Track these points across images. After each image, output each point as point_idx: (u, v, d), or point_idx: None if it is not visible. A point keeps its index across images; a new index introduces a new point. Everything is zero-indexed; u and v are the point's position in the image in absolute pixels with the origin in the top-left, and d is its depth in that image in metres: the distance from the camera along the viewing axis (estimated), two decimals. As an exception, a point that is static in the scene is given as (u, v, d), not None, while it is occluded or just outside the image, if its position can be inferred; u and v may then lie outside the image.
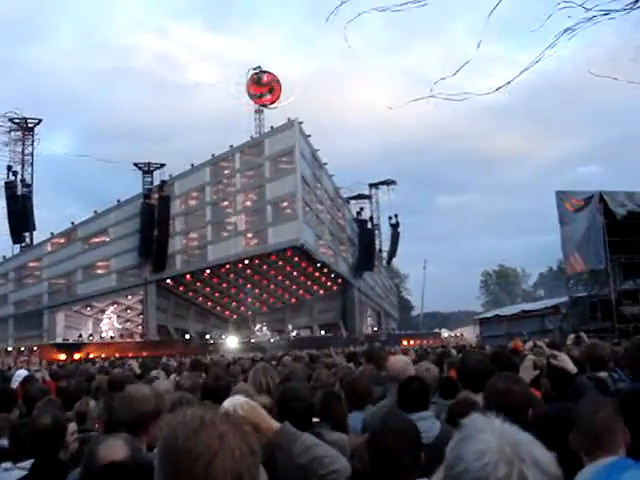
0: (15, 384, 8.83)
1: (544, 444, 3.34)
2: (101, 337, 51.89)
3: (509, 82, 6.37)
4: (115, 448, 2.89)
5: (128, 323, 55.23)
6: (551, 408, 4.21)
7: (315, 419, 4.29)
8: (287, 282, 59.24)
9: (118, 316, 55.09)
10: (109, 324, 54.01)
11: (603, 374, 5.41)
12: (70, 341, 49.09)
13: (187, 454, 1.44)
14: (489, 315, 51.08)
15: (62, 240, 57.15)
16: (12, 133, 56.81)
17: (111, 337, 52.04)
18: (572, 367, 4.38)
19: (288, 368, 7.58)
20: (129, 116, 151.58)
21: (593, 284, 33.47)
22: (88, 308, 54.67)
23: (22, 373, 9.89)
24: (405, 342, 50.40)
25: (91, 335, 51.58)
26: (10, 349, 48.96)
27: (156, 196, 51.94)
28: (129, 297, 54.94)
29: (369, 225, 66.40)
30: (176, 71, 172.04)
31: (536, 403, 3.68)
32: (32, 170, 57.36)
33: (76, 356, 41.05)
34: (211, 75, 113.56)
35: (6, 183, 53.78)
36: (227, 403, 3.97)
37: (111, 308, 54.75)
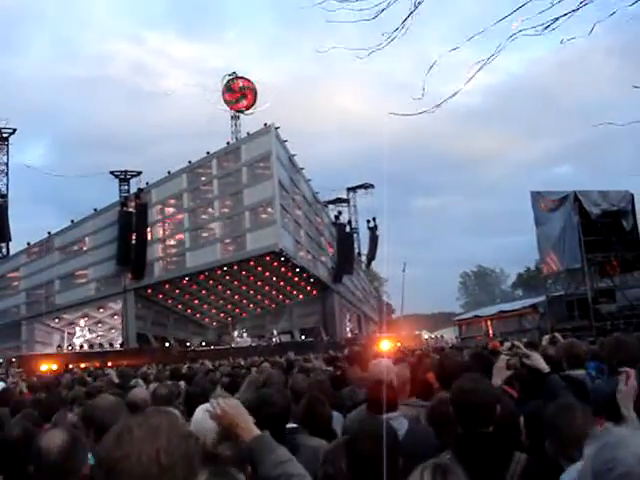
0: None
1: (510, 442, 3.37)
2: (81, 346, 51.57)
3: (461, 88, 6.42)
4: (53, 437, 2.96)
5: (98, 338, 54.67)
6: (523, 408, 4.27)
7: (293, 425, 4.30)
8: (266, 288, 59.09)
9: (89, 329, 54.70)
10: (81, 336, 53.62)
11: (581, 372, 5.48)
12: (48, 352, 48.71)
13: (98, 462, 1.54)
14: (468, 316, 51.43)
15: (39, 250, 56.69)
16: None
17: (90, 346, 51.68)
18: (544, 366, 4.44)
19: (265, 374, 7.61)
20: (105, 124, 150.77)
21: (570, 283, 33.78)
22: (56, 320, 54.18)
23: (-2, 385, 9.79)
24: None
25: (70, 345, 51.24)
26: (-12, 361, 48.46)
27: (133, 204, 51.64)
28: (101, 310, 54.50)
29: (348, 229, 66.48)
30: (151, 79, 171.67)
31: (503, 401, 3.73)
32: (7, 180, 56.99)
33: (54, 367, 40.62)
34: (186, 82, 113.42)
35: (-19, 194, 53.42)
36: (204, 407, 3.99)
37: (82, 321, 54.33)
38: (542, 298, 37.41)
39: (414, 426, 4.26)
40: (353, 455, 3.15)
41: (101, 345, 52.21)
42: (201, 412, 4.15)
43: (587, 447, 1.70)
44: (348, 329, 65.37)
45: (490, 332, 41.66)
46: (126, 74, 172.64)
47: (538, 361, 4.46)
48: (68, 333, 53.94)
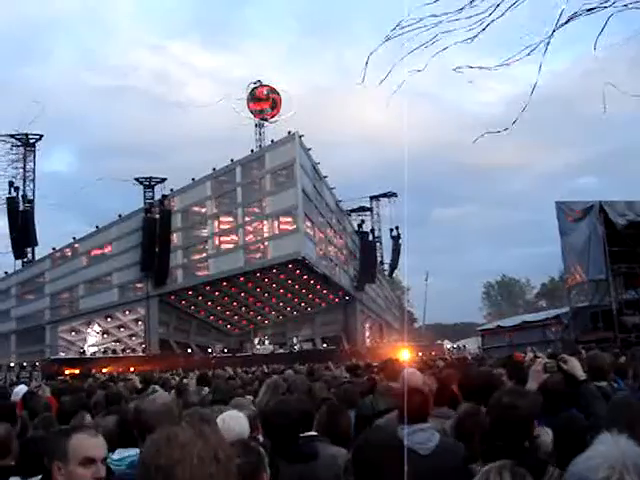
0: (15, 400, 8.80)
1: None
2: (104, 351, 51.89)
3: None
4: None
5: (121, 343, 54.82)
6: (550, 419, 4.22)
7: (312, 432, 4.30)
8: (289, 295, 59.16)
9: (112, 334, 54.92)
10: (104, 341, 53.94)
11: (603, 384, 5.42)
12: (72, 356, 49.12)
13: (149, 468, 1.51)
14: (491, 326, 50.95)
15: (64, 255, 57.20)
16: (14, 149, 57.02)
17: (113, 351, 51.99)
18: (581, 373, 4.36)
19: (289, 381, 7.61)
20: (129, 133, 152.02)
21: (594, 294, 33.36)
22: (80, 324, 54.51)
23: (22, 389, 9.84)
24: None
25: (93, 350, 51.59)
26: (12, 365, 48.85)
27: (157, 210, 51.96)
28: (124, 315, 54.64)
29: (370, 237, 66.35)
30: (175, 88, 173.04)
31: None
32: (34, 186, 57.56)
33: (77, 371, 40.89)
34: (210, 91, 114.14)
35: (8, 199, 53.95)
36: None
37: (105, 326, 54.60)
38: (566, 309, 37.00)
39: (445, 439, 4.23)
40: (358, 464, 3.15)
41: (124, 350, 52.47)
42: (220, 421, 4.20)
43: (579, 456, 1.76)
44: (367, 337, 65.20)
45: (513, 343, 41.27)
46: (150, 83, 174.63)
47: (575, 367, 4.38)
48: (91, 338, 54.29)
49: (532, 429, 3.35)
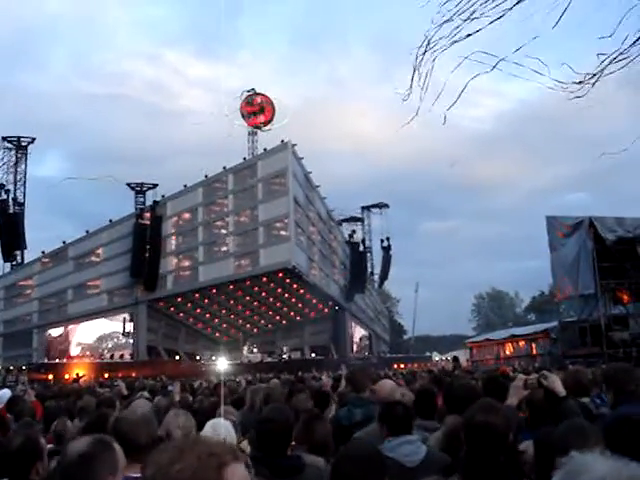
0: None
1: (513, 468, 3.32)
2: (92, 357, 51.67)
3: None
4: (81, 441, 2.97)
5: (109, 349, 54.59)
6: (533, 432, 4.23)
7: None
8: (278, 304, 59.06)
9: (100, 340, 54.71)
10: (92, 346, 53.76)
11: (585, 399, 5.43)
12: (59, 361, 48.91)
13: None
14: (479, 339, 51.07)
15: (53, 259, 56.98)
16: (5, 152, 56.86)
17: (100, 356, 51.75)
18: (561, 389, 4.36)
19: (267, 389, 7.61)
20: (122, 140, 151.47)
21: (583, 309, 33.49)
22: (68, 329, 54.31)
23: (5, 393, 9.77)
24: (396, 366, 50.19)
25: (81, 355, 51.36)
26: (-1, 368, 48.54)
27: (148, 216, 51.85)
28: (112, 321, 54.43)
29: (361, 248, 66.35)
30: (168, 97, 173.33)
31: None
32: (25, 189, 57.34)
33: (65, 376, 40.71)
34: (203, 101, 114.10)
35: (-2, 201, 53.74)
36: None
37: (93, 331, 54.41)
38: (554, 323, 37.19)
39: (432, 451, 4.23)
40: (338, 477, 3.14)
41: (111, 356, 52.24)
42: (209, 427, 4.21)
43: (554, 476, 1.68)
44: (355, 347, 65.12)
45: (501, 356, 41.35)
46: (144, 91, 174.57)
47: (556, 383, 4.38)
48: (79, 343, 54.08)
49: (508, 443, 3.35)
